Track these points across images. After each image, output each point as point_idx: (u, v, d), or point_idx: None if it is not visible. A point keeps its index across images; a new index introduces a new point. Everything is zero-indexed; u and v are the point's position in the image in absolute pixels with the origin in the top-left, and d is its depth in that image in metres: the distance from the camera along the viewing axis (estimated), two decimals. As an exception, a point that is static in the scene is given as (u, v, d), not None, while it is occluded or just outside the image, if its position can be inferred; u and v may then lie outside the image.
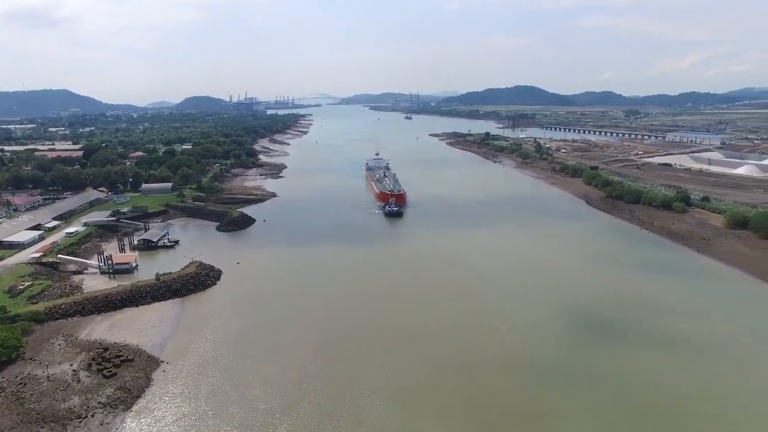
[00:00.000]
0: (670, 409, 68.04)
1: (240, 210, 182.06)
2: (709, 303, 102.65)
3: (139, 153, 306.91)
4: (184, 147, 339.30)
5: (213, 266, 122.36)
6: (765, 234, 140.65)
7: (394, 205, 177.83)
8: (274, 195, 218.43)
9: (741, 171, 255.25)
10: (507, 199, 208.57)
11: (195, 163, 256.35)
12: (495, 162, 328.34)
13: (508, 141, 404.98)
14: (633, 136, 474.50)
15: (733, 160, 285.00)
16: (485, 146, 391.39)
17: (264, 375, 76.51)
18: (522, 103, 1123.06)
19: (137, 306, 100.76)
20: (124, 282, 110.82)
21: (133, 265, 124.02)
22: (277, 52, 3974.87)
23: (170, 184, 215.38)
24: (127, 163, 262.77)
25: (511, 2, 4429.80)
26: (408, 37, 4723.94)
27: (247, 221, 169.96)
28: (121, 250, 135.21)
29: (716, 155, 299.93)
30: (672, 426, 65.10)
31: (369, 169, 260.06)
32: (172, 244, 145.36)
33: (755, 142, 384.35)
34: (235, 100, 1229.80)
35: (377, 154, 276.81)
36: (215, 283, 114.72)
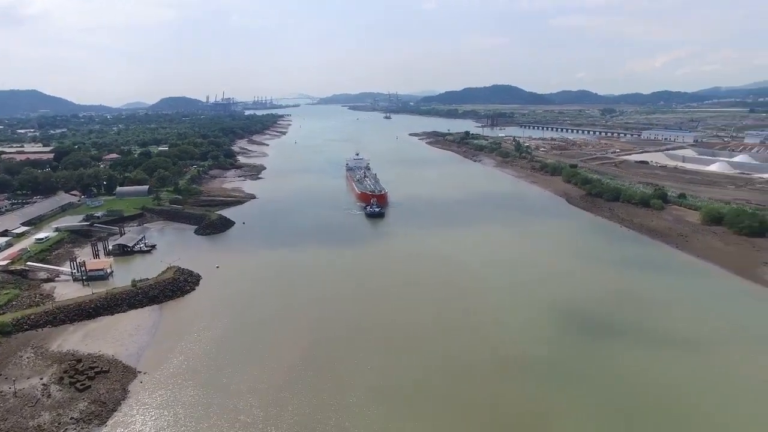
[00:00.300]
0: (666, 407, 67.90)
1: (218, 212, 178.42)
2: (691, 299, 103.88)
3: (114, 155, 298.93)
4: (160, 148, 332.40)
5: (191, 271, 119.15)
6: (738, 229, 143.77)
7: (375, 205, 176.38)
8: (253, 197, 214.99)
9: (713, 168, 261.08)
10: (488, 198, 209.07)
11: (172, 165, 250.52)
12: (475, 161, 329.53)
13: (487, 140, 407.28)
14: (609, 134, 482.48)
15: (706, 157, 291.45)
16: (465, 145, 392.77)
17: (246, 384, 74.25)
18: (500, 102, 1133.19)
19: (113, 314, 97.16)
20: (98, 289, 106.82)
21: (108, 271, 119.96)
22: (255, 52, 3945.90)
23: (146, 187, 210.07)
24: (101, 166, 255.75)
25: (488, 2, 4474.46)
26: (386, 36, 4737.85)
27: (226, 224, 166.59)
28: (95, 255, 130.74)
29: (690, 153, 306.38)
30: (666, 424, 65.03)
31: (349, 169, 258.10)
32: (148, 248, 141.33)
33: (725, 139, 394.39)
34: (212, 100, 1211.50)
35: (357, 155, 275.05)
36: (194, 289, 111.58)
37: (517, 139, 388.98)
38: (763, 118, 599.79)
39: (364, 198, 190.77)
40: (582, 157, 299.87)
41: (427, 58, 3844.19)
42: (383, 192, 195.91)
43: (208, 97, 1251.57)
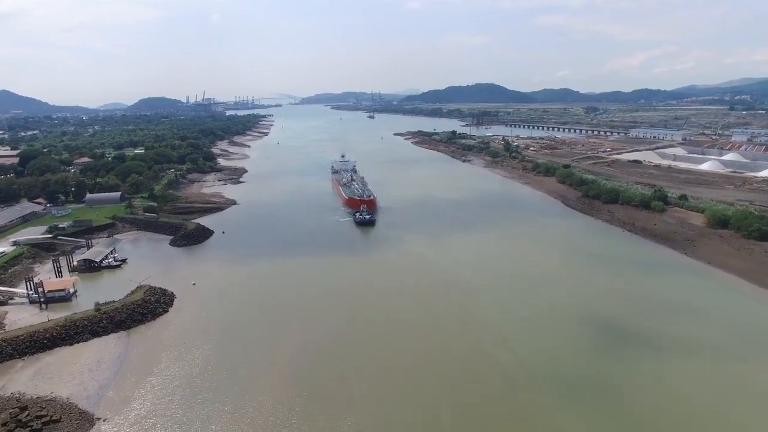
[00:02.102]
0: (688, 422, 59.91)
1: (196, 221, 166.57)
2: (708, 311, 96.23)
3: (86, 159, 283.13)
4: (136, 151, 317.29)
5: (165, 289, 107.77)
6: (747, 233, 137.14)
7: (365, 212, 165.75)
8: (234, 202, 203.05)
9: (705, 167, 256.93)
10: (482, 201, 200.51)
11: (147, 170, 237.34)
12: (464, 161, 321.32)
13: (475, 139, 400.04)
14: (596, 132, 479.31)
15: (697, 155, 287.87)
16: (452, 145, 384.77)
17: (225, 428, 63.77)
18: (483, 101, 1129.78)
19: (72, 344, 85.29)
20: (58, 313, 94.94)
21: (71, 291, 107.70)
22: (236, 52, 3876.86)
23: (119, 194, 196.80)
24: (71, 171, 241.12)
25: (471, 1, 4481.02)
26: (369, 36, 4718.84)
27: (204, 233, 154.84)
28: (57, 273, 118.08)
29: (680, 151, 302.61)
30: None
31: (335, 172, 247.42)
32: (118, 263, 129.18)
33: (713, 137, 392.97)
34: (192, 101, 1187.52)
35: (343, 156, 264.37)
36: (167, 311, 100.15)
37: (506, 138, 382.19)
38: (744, 116, 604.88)
39: (353, 203, 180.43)
40: (573, 156, 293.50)
41: (410, 57, 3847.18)
42: (372, 197, 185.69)
43: (188, 98, 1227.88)
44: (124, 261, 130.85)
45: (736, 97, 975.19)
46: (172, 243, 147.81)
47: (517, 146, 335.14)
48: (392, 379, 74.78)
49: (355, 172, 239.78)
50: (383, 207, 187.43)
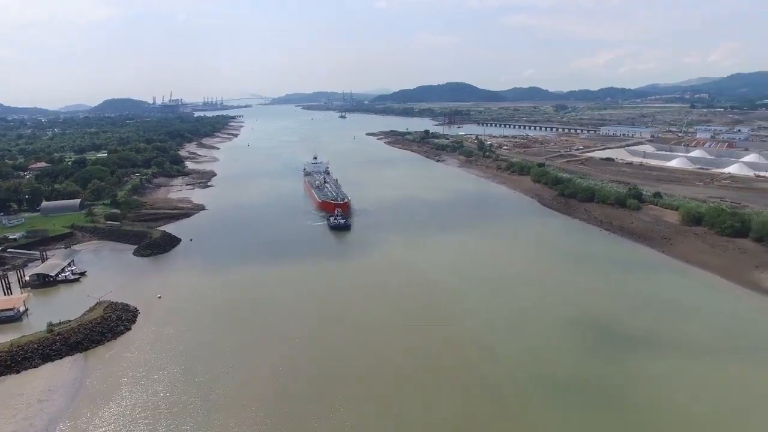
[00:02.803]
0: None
1: (162, 228, 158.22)
2: (696, 308, 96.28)
3: (42, 163, 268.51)
4: (99, 155, 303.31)
5: (127, 305, 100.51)
6: (720, 230, 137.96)
7: (340, 216, 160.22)
8: (202, 207, 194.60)
9: (674, 164, 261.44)
10: (458, 202, 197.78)
11: (110, 175, 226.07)
12: (438, 161, 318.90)
13: (448, 139, 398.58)
14: (567, 130, 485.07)
15: (666, 153, 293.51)
16: (426, 144, 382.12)
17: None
18: (454, 100, 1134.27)
19: (18, 372, 77.42)
20: (5, 337, 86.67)
21: (21, 310, 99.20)
22: (205, 52, 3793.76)
23: (78, 201, 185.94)
24: (26, 176, 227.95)
25: (439, 1, 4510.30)
26: (339, 36, 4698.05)
27: (170, 242, 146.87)
28: (6, 290, 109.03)
29: (650, 148, 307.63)
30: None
31: (307, 174, 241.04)
32: (76, 276, 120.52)
33: (679, 134, 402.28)
34: (159, 102, 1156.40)
35: (315, 158, 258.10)
36: (129, 328, 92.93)
37: (480, 137, 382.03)
38: (705, 114, 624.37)
39: (326, 207, 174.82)
40: (546, 154, 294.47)
41: (380, 57, 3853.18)
42: (346, 200, 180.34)
43: (154, 99, 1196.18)
44: (82, 274, 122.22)
45: (695, 96, 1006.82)
46: (136, 253, 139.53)
47: (491, 145, 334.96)
48: (375, 397, 70.20)
49: (328, 173, 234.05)
50: (358, 209, 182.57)
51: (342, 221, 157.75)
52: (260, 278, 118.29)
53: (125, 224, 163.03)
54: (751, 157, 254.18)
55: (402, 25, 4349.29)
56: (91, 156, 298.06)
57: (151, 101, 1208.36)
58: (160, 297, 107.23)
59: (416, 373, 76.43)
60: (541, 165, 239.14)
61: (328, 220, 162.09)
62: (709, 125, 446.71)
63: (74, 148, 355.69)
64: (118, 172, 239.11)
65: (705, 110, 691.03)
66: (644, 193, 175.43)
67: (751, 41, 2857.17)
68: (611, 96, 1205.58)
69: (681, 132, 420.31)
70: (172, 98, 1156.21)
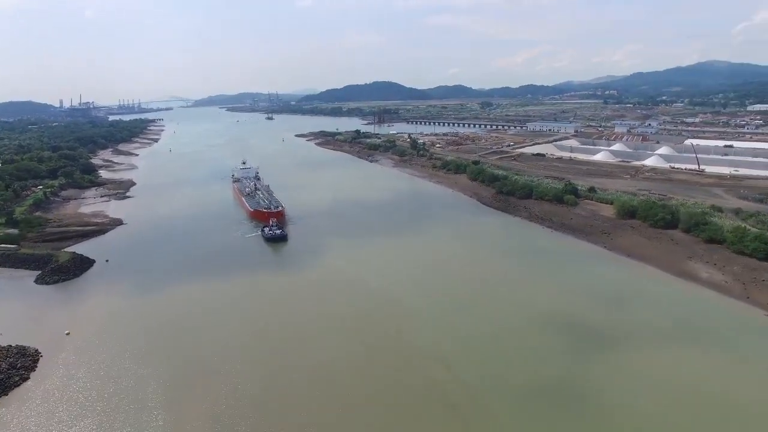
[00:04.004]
0: None
1: (71, 249, 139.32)
2: (645, 300, 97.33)
3: None
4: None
5: (25, 347, 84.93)
6: (653, 222, 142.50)
7: (276, 227, 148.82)
8: (120, 222, 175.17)
9: (599, 157, 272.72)
10: (396, 203, 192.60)
11: (5, 189, 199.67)
12: (371, 161, 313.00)
13: (380, 138, 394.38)
14: (495, 126, 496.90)
15: (590, 147, 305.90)
16: (357, 145, 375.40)
17: None
18: (382, 99, 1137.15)
19: None
20: None
21: None
22: (118, 52, 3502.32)
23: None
24: None
25: (364, 1, 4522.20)
26: (264, 35, 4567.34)
27: (82, 264, 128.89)
28: None
29: (575, 143, 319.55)
30: None
31: (236, 180, 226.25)
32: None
33: (599, 129, 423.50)
34: (67, 105, 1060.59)
35: (244, 163, 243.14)
36: (27, 378, 77.78)
37: (412, 136, 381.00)
38: (618, 109, 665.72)
39: (259, 216, 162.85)
40: (479, 151, 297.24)
41: (307, 57, 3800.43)
42: (280, 208, 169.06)
43: (62, 102, 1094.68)
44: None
45: (606, 92, 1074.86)
46: (39, 280, 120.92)
47: (424, 144, 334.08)
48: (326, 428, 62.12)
49: (259, 179, 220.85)
50: (294, 216, 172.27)
51: (278, 232, 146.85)
52: (189, 302, 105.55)
53: (24, 246, 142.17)
54: (664, 150, 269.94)
55: (327, 25, 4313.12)
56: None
57: (57, 104, 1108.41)
58: (68, 333, 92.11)
59: (375, 393, 69.29)
60: (476, 163, 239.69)
61: (263, 231, 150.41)
62: (623, 120, 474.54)
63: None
64: (15, 185, 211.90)
65: (617, 105, 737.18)
66: (579, 188, 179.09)
67: (648, 44, 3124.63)
68: (531, 93, 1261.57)
69: (600, 127, 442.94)
70: (82, 101, 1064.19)
